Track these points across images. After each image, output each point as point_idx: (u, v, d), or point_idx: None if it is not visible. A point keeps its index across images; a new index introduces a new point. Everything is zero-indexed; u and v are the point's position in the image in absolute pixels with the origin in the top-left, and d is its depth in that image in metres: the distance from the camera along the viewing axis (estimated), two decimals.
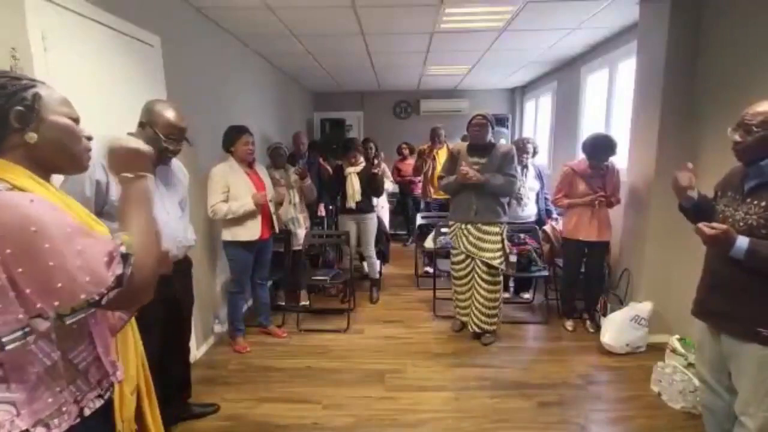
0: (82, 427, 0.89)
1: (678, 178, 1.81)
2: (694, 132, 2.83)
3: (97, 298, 0.78)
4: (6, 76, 0.86)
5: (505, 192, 3.06)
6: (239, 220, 2.86)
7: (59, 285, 0.76)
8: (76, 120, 0.95)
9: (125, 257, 0.81)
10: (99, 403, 0.94)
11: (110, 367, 0.97)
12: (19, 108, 0.84)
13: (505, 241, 3.14)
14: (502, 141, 5.81)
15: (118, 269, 0.80)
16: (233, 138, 2.89)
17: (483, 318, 3.16)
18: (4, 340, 0.77)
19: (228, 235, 2.91)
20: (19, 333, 0.78)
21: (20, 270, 0.75)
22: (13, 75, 0.88)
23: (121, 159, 0.94)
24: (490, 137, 3.07)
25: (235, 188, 2.85)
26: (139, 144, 0.96)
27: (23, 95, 0.85)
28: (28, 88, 0.86)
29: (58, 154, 0.91)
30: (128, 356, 1.06)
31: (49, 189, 0.89)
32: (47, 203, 0.79)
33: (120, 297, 0.81)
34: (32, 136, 0.85)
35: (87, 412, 0.91)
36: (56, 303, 0.77)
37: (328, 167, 4.66)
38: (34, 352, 0.82)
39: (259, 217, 2.93)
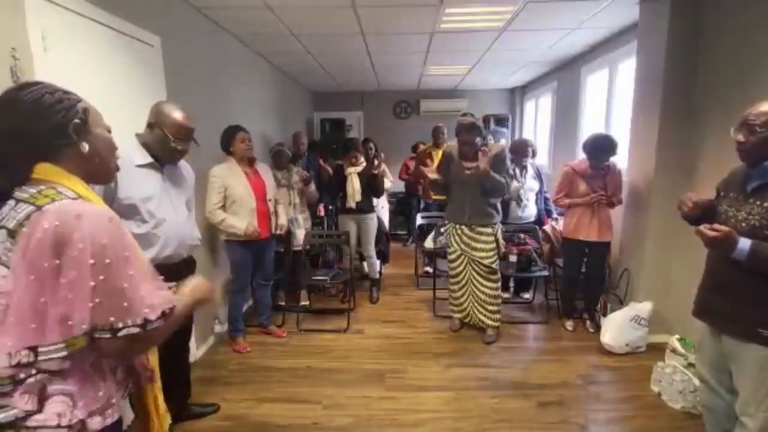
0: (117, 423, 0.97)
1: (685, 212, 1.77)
2: (694, 132, 2.83)
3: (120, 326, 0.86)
4: (59, 90, 0.92)
5: (498, 192, 3.08)
6: (235, 218, 2.84)
7: (125, 303, 0.86)
8: (109, 131, 1.03)
9: (165, 315, 0.92)
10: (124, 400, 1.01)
11: (142, 370, 1.06)
12: (77, 121, 0.91)
13: (500, 240, 3.17)
14: (502, 141, 5.80)
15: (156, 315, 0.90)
16: (230, 137, 2.88)
17: (486, 314, 3.20)
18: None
19: (225, 234, 2.92)
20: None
21: (102, 278, 0.83)
22: (63, 89, 0.93)
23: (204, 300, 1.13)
24: (479, 141, 3.07)
25: (232, 190, 2.83)
26: (213, 295, 1.18)
27: (77, 108, 0.92)
28: (78, 102, 0.94)
29: (99, 164, 0.98)
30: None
31: (100, 200, 0.96)
32: (120, 228, 0.89)
33: (136, 339, 0.88)
34: (85, 146, 0.92)
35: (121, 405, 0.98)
36: (112, 318, 0.85)
37: (329, 168, 4.66)
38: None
39: (255, 216, 2.90)
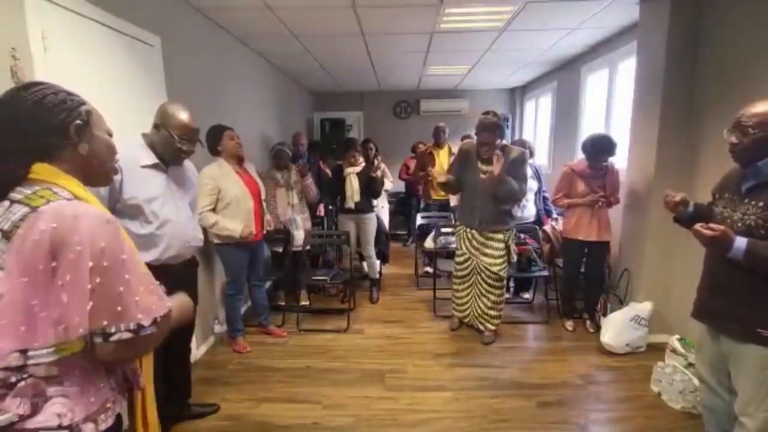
0: (114, 428, 0.95)
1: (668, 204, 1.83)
2: (694, 132, 2.83)
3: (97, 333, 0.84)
4: (63, 91, 0.92)
5: (513, 197, 2.99)
6: (230, 220, 2.77)
7: (119, 307, 0.84)
8: (111, 135, 1.04)
9: (157, 322, 0.90)
10: (123, 404, 1.00)
11: (131, 375, 1.03)
12: (78, 122, 0.92)
13: (512, 247, 3.09)
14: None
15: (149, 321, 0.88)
16: (218, 137, 2.81)
17: (487, 318, 3.18)
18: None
19: (217, 237, 2.83)
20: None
21: (98, 281, 0.81)
22: (68, 91, 0.94)
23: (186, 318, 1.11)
24: (499, 143, 2.96)
25: (226, 192, 2.76)
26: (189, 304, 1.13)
27: (79, 110, 0.93)
28: (81, 104, 0.95)
29: (98, 167, 0.98)
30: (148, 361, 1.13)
31: (97, 202, 0.95)
32: (118, 231, 0.88)
33: (127, 345, 0.86)
34: (85, 147, 0.93)
35: (118, 410, 0.97)
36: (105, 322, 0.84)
37: (327, 170, 4.65)
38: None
39: (252, 217, 2.86)
